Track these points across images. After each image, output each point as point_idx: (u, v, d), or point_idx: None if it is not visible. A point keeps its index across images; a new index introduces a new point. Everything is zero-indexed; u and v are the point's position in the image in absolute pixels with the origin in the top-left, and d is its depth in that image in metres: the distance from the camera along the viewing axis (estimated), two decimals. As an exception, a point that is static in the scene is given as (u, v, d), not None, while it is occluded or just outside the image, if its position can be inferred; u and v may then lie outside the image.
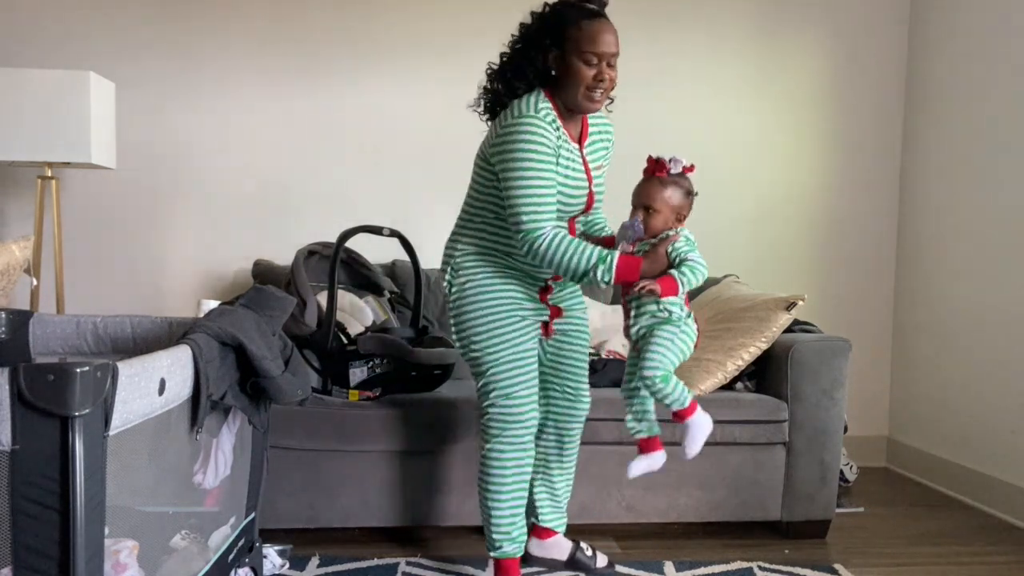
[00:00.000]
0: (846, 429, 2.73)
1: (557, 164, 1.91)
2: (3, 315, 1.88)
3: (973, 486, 3.08)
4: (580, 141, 2.02)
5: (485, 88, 2.03)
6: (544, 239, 1.89)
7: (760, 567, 2.36)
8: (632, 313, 1.98)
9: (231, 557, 1.77)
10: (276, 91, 3.33)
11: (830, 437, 2.60)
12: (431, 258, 3.09)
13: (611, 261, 1.87)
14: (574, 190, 1.97)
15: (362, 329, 2.73)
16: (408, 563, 2.34)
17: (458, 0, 3.35)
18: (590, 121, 2.06)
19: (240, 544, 1.84)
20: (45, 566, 1.07)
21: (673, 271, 1.89)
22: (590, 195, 2.02)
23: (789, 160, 3.59)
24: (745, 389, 2.75)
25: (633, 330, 1.99)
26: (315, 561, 2.33)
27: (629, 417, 2.08)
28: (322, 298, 2.64)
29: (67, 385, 1.04)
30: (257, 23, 3.31)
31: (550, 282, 2.09)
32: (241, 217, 3.34)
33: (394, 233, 2.66)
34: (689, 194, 1.97)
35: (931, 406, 3.38)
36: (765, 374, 2.73)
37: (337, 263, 2.54)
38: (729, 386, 2.72)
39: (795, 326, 2.81)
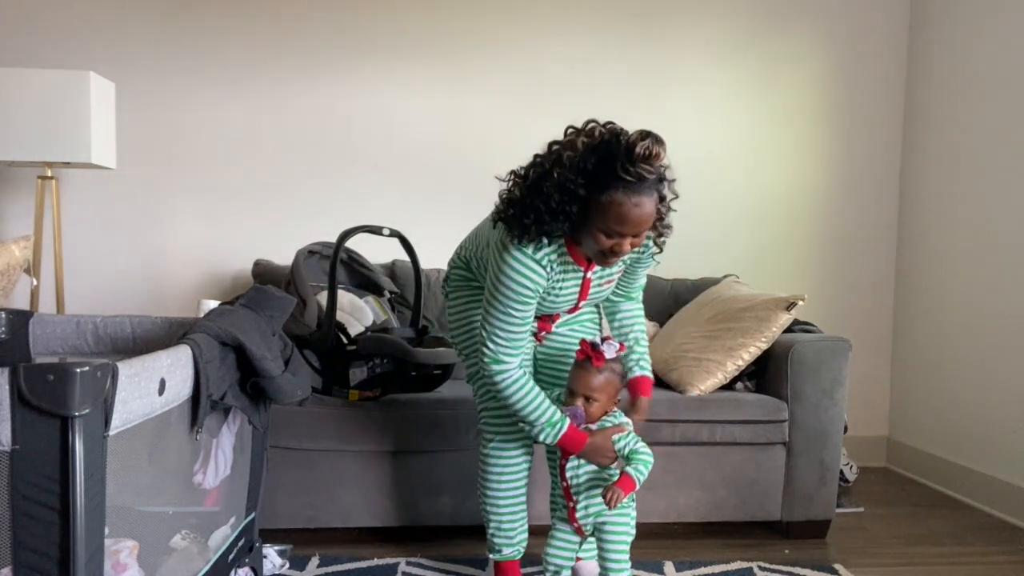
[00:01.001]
0: (846, 429, 2.73)
1: (546, 290, 1.85)
2: (3, 315, 1.88)
3: (973, 486, 3.08)
4: (591, 266, 1.88)
5: (512, 200, 1.78)
6: (507, 379, 1.84)
7: (760, 567, 2.36)
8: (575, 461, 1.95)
9: (231, 557, 1.77)
10: (276, 91, 3.33)
11: (830, 437, 2.60)
12: (431, 258, 3.10)
13: (559, 430, 1.85)
14: (559, 299, 1.91)
15: (362, 329, 2.72)
16: (408, 563, 2.34)
17: (461, 2, 3.35)
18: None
19: (240, 544, 1.84)
20: (45, 566, 1.07)
21: (628, 469, 1.85)
22: (576, 306, 1.98)
23: (789, 160, 3.59)
24: (745, 389, 2.75)
25: (576, 471, 1.95)
26: (315, 561, 2.33)
27: (551, 552, 1.99)
28: (322, 298, 2.64)
29: (67, 385, 1.04)
30: (257, 23, 3.31)
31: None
32: (241, 217, 3.34)
33: (394, 233, 2.66)
34: (623, 376, 1.96)
35: (931, 406, 3.38)
36: (765, 374, 2.73)
37: (337, 263, 2.54)
38: (729, 386, 2.72)
39: (795, 326, 2.81)
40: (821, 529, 2.64)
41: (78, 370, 1.05)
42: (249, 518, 1.92)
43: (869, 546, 2.59)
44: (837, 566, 2.37)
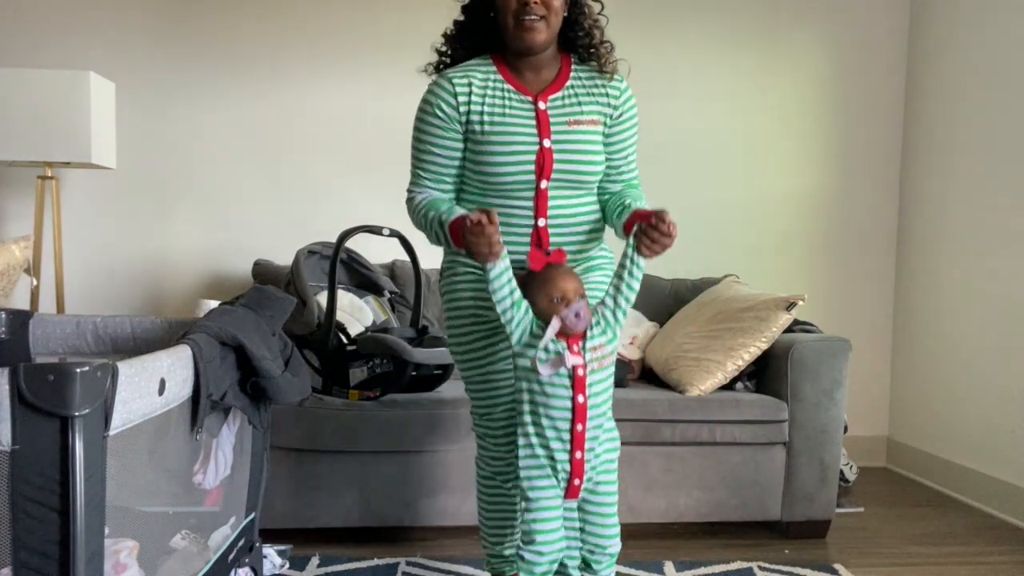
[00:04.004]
0: (846, 429, 2.73)
1: (466, 126, 1.75)
2: (3, 315, 1.88)
3: (973, 486, 3.08)
4: (544, 93, 1.78)
5: (436, 50, 1.88)
6: (412, 201, 1.81)
7: (760, 567, 2.36)
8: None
9: (231, 557, 1.77)
10: (277, 91, 3.33)
11: (830, 437, 2.61)
12: (431, 258, 3.09)
13: (446, 218, 1.71)
14: (514, 138, 1.73)
15: (362, 329, 2.73)
16: (408, 563, 2.34)
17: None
18: (578, 74, 1.82)
19: (240, 544, 1.84)
20: (45, 566, 1.07)
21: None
22: (543, 154, 1.73)
23: (789, 160, 3.59)
24: (745, 389, 2.75)
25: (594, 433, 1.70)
26: (315, 561, 2.33)
27: None
28: (322, 298, 2.64)
29: (67, 385, 1.04)
30: (257, 23, 3.31)
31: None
32: (241, 217, 3.34)
33: (394, 233, 2.66)
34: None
35: (931, 406, 3.38)
36: (765, 374, 2.73)
37: (337, 263, 2.54)
38: (729, 386, 2.72)
39: (795, 326, 2.81)
40: (821, 529, 2.64)
41: (78, 370, 1.05)
42: (249, 518, 1.92)
43: (869, 546, 2.59)
44: (837, 566, 2.37)
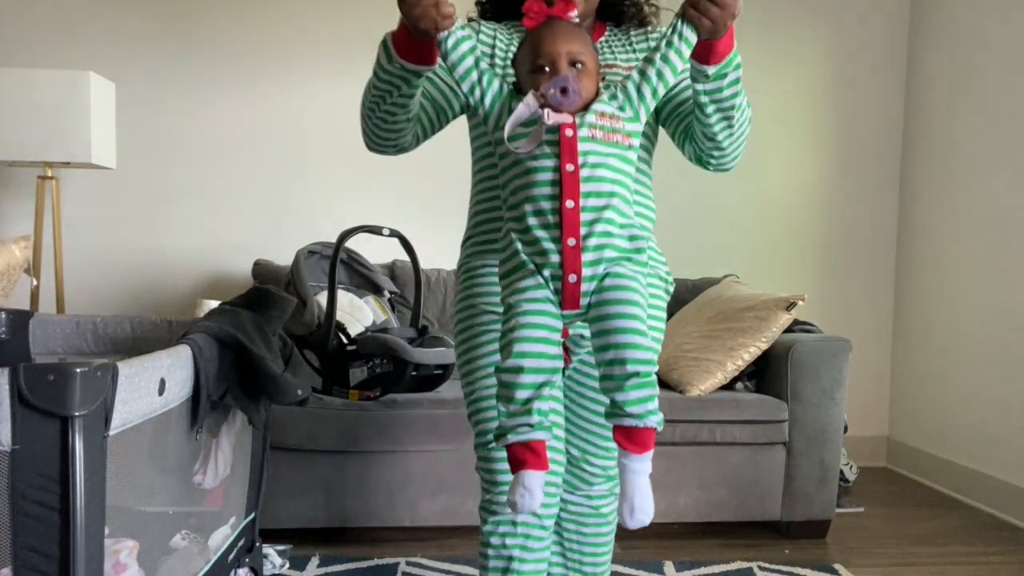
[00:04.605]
0: (846, 429, 2.73)
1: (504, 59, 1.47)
2: (3, 315, 1.88)
3: (973, 486, 3.08)
4: None
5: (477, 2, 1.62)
6: None
7: (760, 567, 2.36)
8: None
9: (231, 557, 1.77)
10: (277, 91, 3.33)
11: (830, 437, 2.61)
12: (431, 258, 3.10)
13: (386, 43, 1.40)
14: None
15: (362, 329, 2.73)
16: (408, 563, 2.34)
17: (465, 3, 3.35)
18: (613, 31, 1.57)
19: (240, 544, 1.84)
20: (45, 566, 1.07)
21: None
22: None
23: (790, 160, 3.59)
24: (745, 389, 2.75)
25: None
26: (315, 561, 2.33)
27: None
28: (322, 298, 2.64)
29: (67, 385, 1.04)
30: (258, 23, 3.31)
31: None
32: (241, 217, 3.34)
33: (394, 233, 2.66)
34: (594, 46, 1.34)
35: (931, 406, 3.38)
36: (765, 374, 2.73)
37: (337, 263, 2.54)
38: (729, 386, 2.72)
39: (795, 326, 2.81)
40: (821, 529, 2.64)
41: (78, 370, 1.05)
42: (249, 518, 1.92)
43: (869, 546, 2.59)
44: (837, 566, 2.37)
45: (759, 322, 2.66)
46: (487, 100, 1.26)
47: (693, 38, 1.28)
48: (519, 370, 1.19)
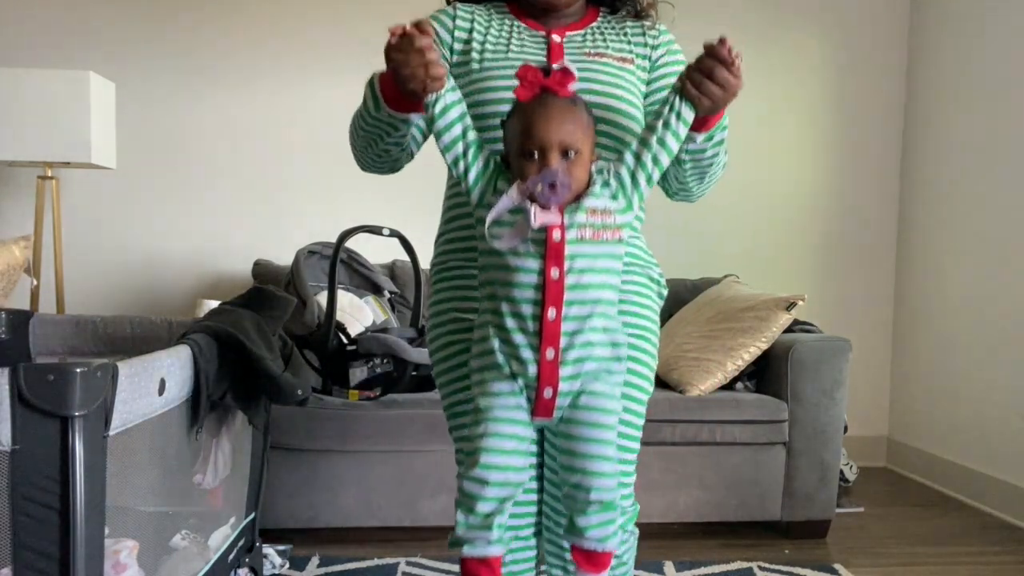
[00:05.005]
0: (846, 429, 2.73)
1: (460, 57, 1.39)
2: (3, 315, 1.89)
3: (973, 486, 3.08)
4: (562, 29, 1.42)
5: None
6: None
7: (760, 567, 2.36)
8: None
9: (231, 557, 1.77)
10: (277, 91, 3.33)
11: (830, 437, 2.61)
12: (431, 258, 3.09)
13: (373, 84, 1.30)
14: (514, 75, 1.21)
15: (362, 329, 2.73)
16: (408, 563, 2.34)
17: None
18: (607, 17, 1.48)
19: (240, 544, 1.84)
20: (45, 566, 1.07)
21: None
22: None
23: (789, 160, 3.59)
24: (745, 389, 2.75)
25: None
26: (315, 561, 2.33)
27: None
28: (322, 298, 2.64)
29: (67, 385, 1.05)
30: (258, 23, 3.31)
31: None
32: (241, 217, 3.34)
33: (394, 233, 2.66)
34: (592, 115, 1.23)
35: (931, 406, 3.38)
36: (765, 374, 2.73)
37: (337, 263, 2.54)
38: (729, 386, 2.72)
39: (795, 326, 2.81)
40: (821, 529, 2.64)
41: (78, 370, 1.05)
42: (249, 518, 1.92)
43: (869, 546, 2.59)
44: (837, 566, 2.37)
45: (759, 322, 2.66)
46: (471, 176, 1.21)
47: (691, 116, 1.20)
48: (484, 483, 1.17)
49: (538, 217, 1.11)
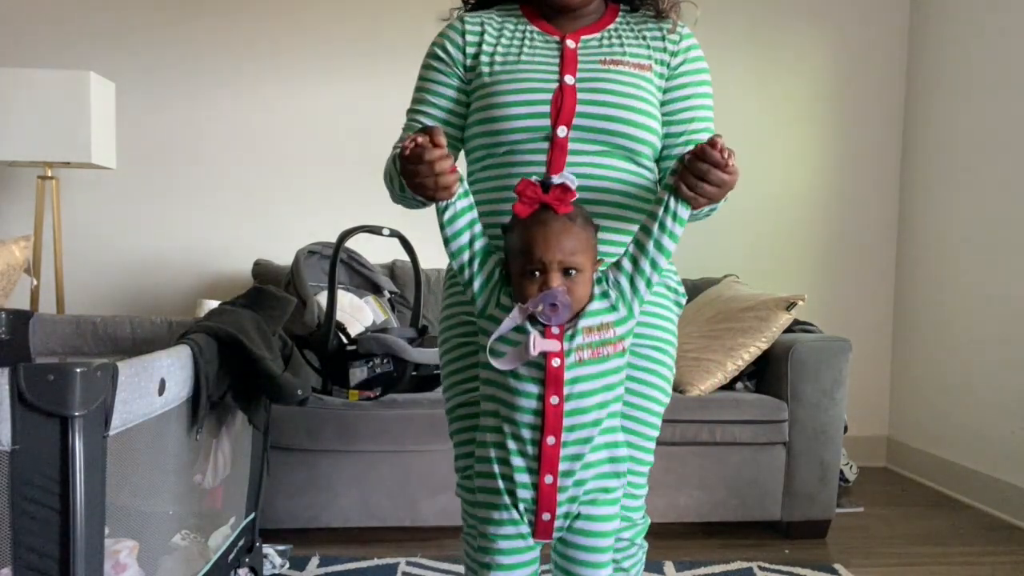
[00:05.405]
0: (846, 429, 2.73)
1: (472, 72, 1.39)
2: (3, 315, 1.89)
3: (973, 486, 3.08)
4: (576, 33, 1.39)
5: None
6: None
7: (760, 567, 2.36)
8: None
9: (231, 557, 1.77)
10: (277, 91, 3.33)
11: (830, 437, 2.61)
12: (431, 258, 3.09)
13: (394, 161, 1.32)
14: (527, 85, 1.30)
15: (362, 329, 2.73)
16: (408, 563, 2.34)
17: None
18: (625, 18, 1.45)
19: (240, 544, 1.84)
20: (45, 566, 1.07)
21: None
22: (562, 92, 1.30)
23: (789, 160, 3.59)
24: (745, 389, 2.75)
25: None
26: (315, 561, 2.33)
27: None
28: (322, 298, 2.64)
29: (67, 385, 1.05)
30: (258, 24, 3.31)
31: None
32: (241, 217, 3.34)
33: (394, 233, 2.66)
34: (595, 226, 1.23)
35: (931, 406, 3.38)
36: (765, 374, 2.73)
37: (337, 263, 2.54)
38: (729, 386, 2.72)
39: (795, 326, 2.81)
40: (821, 529, 2.64)
41: (78, 370, 1.05)
42: (249, 518, 1.92)
43: (869, 546, 2.59)
44: (837, 566, 2.37)
45: (759, 322, 2.66)
46: (475, 285, 1.24)
47: (687, 215, 1.20)
48: None
49: (537, 345, 1.14)
